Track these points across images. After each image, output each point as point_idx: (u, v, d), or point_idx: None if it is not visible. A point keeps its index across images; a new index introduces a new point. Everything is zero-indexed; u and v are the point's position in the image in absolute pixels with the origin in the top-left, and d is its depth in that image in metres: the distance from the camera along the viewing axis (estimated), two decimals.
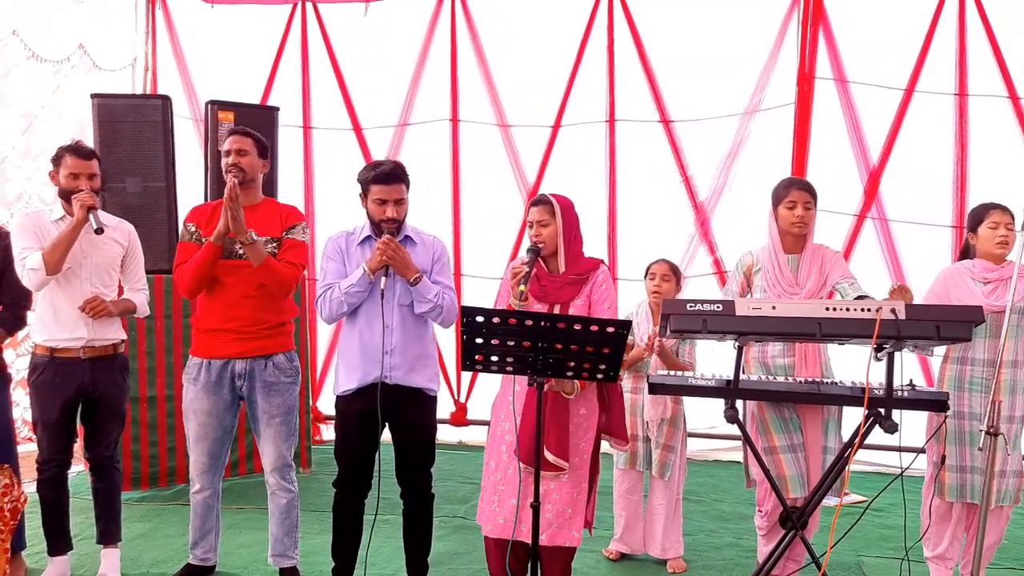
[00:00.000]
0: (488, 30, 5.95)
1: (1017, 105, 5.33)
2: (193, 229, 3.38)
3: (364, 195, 3.24)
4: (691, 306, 3.01)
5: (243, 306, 3.31)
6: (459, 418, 6.15)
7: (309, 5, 6.09)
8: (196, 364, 3.39)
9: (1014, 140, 5.35)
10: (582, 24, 5.81)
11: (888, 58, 5.46)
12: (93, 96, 4.80)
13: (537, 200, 3.20)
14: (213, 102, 4.91)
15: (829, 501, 3.50)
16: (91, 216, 3.27)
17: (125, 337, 3.58)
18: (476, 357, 2.75)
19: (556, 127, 5.91)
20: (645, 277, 3.98)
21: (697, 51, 5.65)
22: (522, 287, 2.94)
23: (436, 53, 6.02)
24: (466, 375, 6.05)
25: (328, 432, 5.94)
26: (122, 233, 3.57)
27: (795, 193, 3.45)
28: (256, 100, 5.96)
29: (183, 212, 4.70)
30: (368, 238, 3.28)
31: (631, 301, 4.12)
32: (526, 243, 3.30)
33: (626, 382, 3.89)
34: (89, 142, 4.39)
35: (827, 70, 5.51)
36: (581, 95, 5.88)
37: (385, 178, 3.17)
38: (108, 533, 3.61)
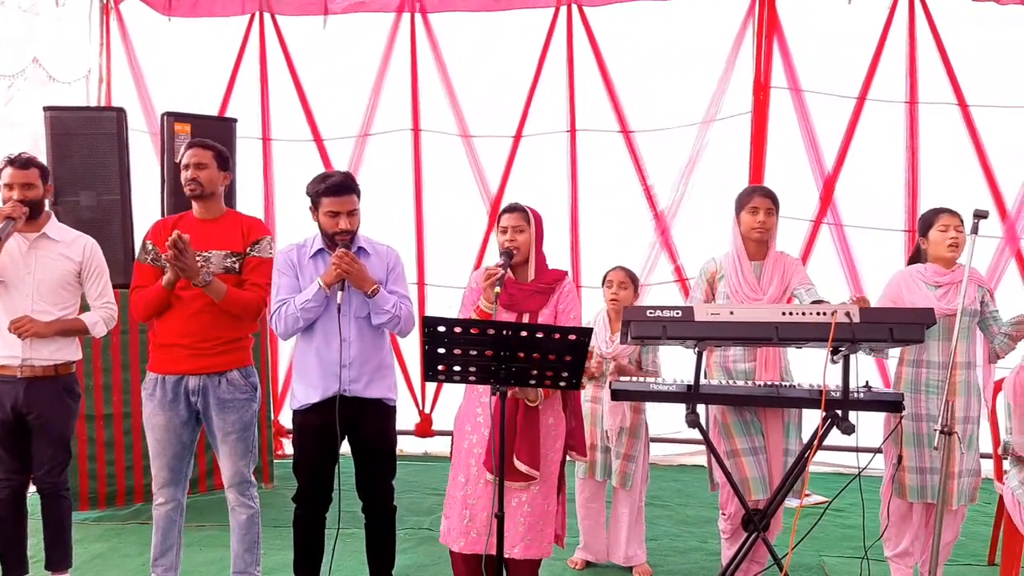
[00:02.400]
0: (449, 40, 5.95)
1: (966, 112, 5.48)
2: (151, 248, 3.30)
3: (315, 208, 3.17)
4: (651, 312, 3.04)
5: (198, 321, 3.23)
6: (424, 429, 6.11)
7: (267, 16, 6.03)
8: (152, 379, 3.32)
9: (962, 146, 5.50)
10: (542, 35, 5.85)
11: (841, 67, 5.58)
12: (46, 109, 4.70)
13: (512, 207, 3.19)
14: (169, 114, 4.83)
15: (790, 502, 3.54)
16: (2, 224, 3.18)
17: (76, 358, 3.46)
18: (439, 367, 2.75)
19: (518, 137, 5.93)
20: (602, 285, 4.00)
21: (655, 62, 5.73)
22: (497, 289, 2.94)
23: (397, 63, 6.00)
24: (431, 386, 6.01)
25: (290, 446, 5.87)
26: (75, 249, 3.43)
27: (757, 199, 3.50)
28: (214, 112, 5.90)
29: (139, 225, 4.64)
30: (321, 251, 3.21)
31: (593, 309, 4.15)
32: (490, 252, 3.29)
33: (585, 392, 3.90)
34: (42, 155, 4.30)
35: (782, 79, 5.62)
36: (542, 106, 5.91)
37: (336, 190, 3.11)
38: (55, 561, 3.51)
